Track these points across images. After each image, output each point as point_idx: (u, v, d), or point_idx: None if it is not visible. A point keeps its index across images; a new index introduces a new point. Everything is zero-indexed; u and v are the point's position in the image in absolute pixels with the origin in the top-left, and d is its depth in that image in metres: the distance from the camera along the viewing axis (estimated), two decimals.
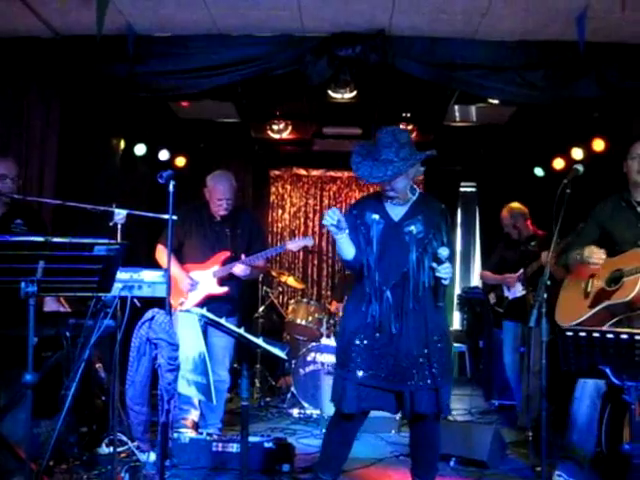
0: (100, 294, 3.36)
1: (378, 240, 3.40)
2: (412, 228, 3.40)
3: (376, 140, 3.41)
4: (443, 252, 3.29)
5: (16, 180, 4.18)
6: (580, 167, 3.83)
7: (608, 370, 2.95)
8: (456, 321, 9.46)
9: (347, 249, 3.39)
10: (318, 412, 5.65)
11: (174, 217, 3.59)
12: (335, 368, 3.60)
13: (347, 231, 3.30)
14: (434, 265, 3.32)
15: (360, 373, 3.37)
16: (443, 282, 3.37)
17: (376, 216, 3.43)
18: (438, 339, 3.41)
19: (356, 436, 3.61)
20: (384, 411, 3.58)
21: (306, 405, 5.81)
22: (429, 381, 3.36)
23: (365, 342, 3.39)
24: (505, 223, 5.94)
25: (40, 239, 2.81)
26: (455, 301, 9.24)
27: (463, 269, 9.64)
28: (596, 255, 3.76)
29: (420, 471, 3.63)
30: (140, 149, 6.84)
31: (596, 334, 2.93)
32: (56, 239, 2.83)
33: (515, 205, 5.90)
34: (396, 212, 3.50)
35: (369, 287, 3.40)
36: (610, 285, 3.77)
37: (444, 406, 3.42)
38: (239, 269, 4.76)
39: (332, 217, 3.17)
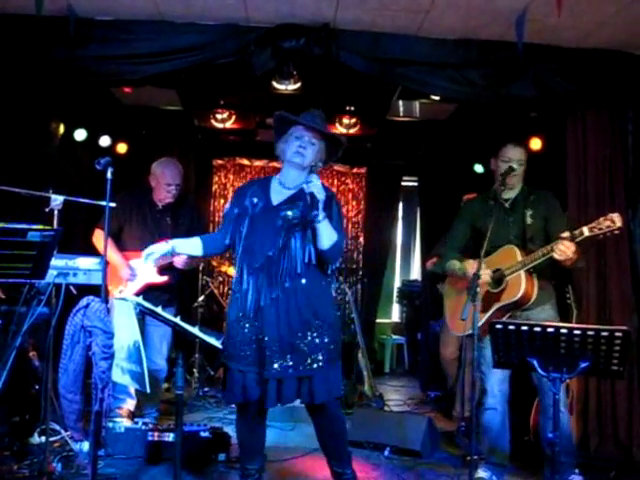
0: (34, 281, 3.30)
1: (249, 223, 3.40)
2: (288, 213, 3.40)
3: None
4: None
5: None
6: (515, 165, 3.96)
7: (535, 362, 3.05)
8: (395, 314, 9.59)
9: None
10: None
11: (112, 204, 3.55)
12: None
13: None
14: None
15: (237, 361, 3.36)
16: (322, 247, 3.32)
17: (255, 199, 3.47)
18: (319, 323, 3.37)
19: (265, 422, 3.62)
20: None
21: None
22: (307, 367, 3.31)
23: (238, 329, 3.39)
24: None
25: None
26: (395, 294, 9.38)
27: (403, 262, 9.77)
28: (483, 274, 3.80)
29: (333, 460, 3.63)
30: (80, 134, 6.70)
31: (524, 327, 3.03)
32: None
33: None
34: (278, 197, 3.51)
35: (237, 271, 3.45)
36: (493, 287, 3.94)
37: (318, 396, 3.34)
38: (179, 259, 4.73)
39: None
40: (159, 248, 3.50)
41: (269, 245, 3.36)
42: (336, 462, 3.61)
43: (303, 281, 3.36)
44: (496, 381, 3.99)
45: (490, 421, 4.03)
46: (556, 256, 3.61)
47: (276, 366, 3.30)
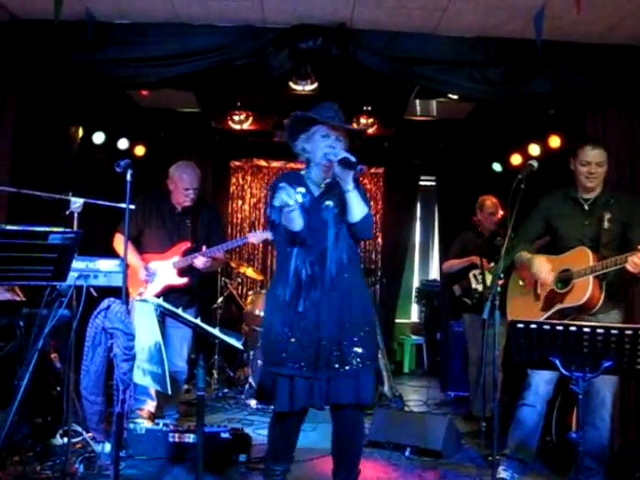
0: (55, 283, 3.32)
1: (303, 215, 3.21)
2: (329, 202, 3.29)
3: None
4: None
5: None
6: (534, 163, 3.90)
7: (557, 361, 3.01)
8: (414, 313, 9.57)
9: (298, 219, 3.17)
10: None
11: (132, 206, 3.56)
12: (263, 364, 3.44)
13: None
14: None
15: (285, 365, 3.21)
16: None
17: (302, 189, 3.22)
18: (364, 323, 3.28)
19: (301, 427, 3.46)
20: (314, 407, 3.29)
21: None
22: (347, 368, 3.20)
23: (285, 330, 3.24)
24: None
25: None
26: (413, 294, 9.35)
27: (422, 262, 9.73)
28: (544, 275, 3.83)
29: (340, 471, 3.43)
30: (99, 137, 6.75)
31: (546, 326, 2.99)
32: (10, 227, 2.80)
33: (484, 198, 5.94)
34: (316, 190, 3.39)
35: (294, 267, 3.24)
36: (560, 286, 3.84)
37: (363, 395, 3.24)
38: (199, 261, 4.74)
39: (290, 196, 2.96)
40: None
41: (321, 238, 3.24)
42: (345, 473, 3.42)
43: (347, 277, 3.26)
44: (542, 380, 3.90)
45: (526, 417, 3.97)
46: (629, 268, 3.50)
47: (327, 365, 3.20)
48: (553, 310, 3.86)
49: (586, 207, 3.95)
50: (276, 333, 3.26)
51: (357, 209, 3.23)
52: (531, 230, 4.12)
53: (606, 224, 3.84)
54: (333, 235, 3.24)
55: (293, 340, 3.22)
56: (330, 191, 3.35)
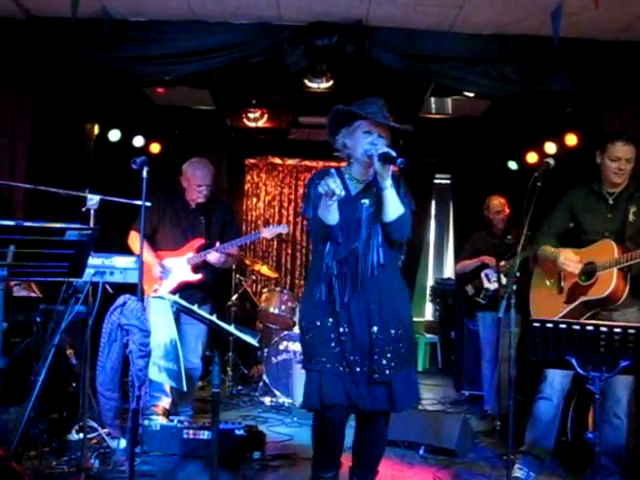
0: (71, 279, 3.34)
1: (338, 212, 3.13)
2: (365, 201, 3.21)
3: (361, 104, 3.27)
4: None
5: None
6: (551, 161, 3.88)
7: (574, 361, 2.99)
8: (428, 312, 9.54)
9: (335, 212, 3.09)
10: (290, 400, 5.68)
11: (148, 203, 3.57)
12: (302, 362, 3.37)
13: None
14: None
15: (317, 364, 3.13)
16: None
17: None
18: (397, 325, 3.18)
19: (345, 429, 3.26)
20: (356, 404, 3.14)
21: (278, 393, 5.83)
22: (377, 373, 3.10)
23: (318, 329, 3.17)
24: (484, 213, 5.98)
25: (11, 223, 2.79)
26: (428, 292, 9.32)
27: (436, 261, 9.70)
28: (572, 265, 3.79)
29: (358, 470, 3.37)
30: (114, 135, 6.78)
31: (562, 325, 2.97)
32: (27, 223, 2.81)
33: (491, 197, 5.93)
34: (353, 188, 3.30)
35: (325, 265, 3.18)
36: (583, 279, 3.82)
37: (398, 403, 3.13)
38: (213, 257, 4.76)
39: (338, 185, 2.90)
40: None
41: (353, 237, 3.17)
42: (363, 474, 3.36)
43: (379, 277, 3.17)
44: (557, 373, 3.86)
45: (542, 411, 3.94)
46: None
47: (360, 367, 3.12)
48: (576, 302, 3.83)
49: (610, 201, 3.92)
50: (308, 329, 3.22)
51: (392, 208, 3.14)
52: (555, 224, 4.08)
53: (631, 217, 3.81)
54: (365, 234, 3.18)
55: (327, 340, 3.16)
56: (368, 189, 3.28)
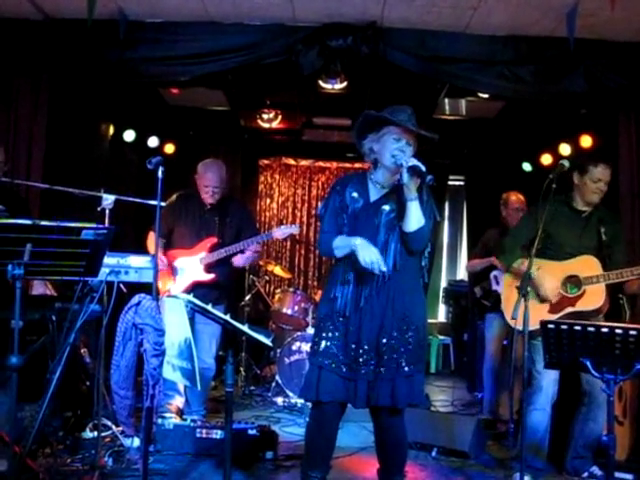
0: (87, 278, 3.36)
1: (351, 220, 3.27)
2: (385, 207, 3.26)
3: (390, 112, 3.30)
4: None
5: (1, 165, 4.17)
6: (566, 162, 3.87)
7: (588, 363, 2.98)
8: (441, 314, 9.52)
9: (346, 252, 3.22)
10: (302, 401, 5.67)
11: (163, 203, 3.59)
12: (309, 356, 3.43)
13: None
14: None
15: (325, 361, 3.20)
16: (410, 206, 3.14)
17: (355, 194, 3.29)
18: (407, 327, 3.20)
19: (338, 428, 3.37)
20: (349, 403, 3.26)
21: (290, 394, 5.83)
22: (384, 370, 3.16)
23: (332, 328, 3.24)
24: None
25: (28, 222, 2.81)
26: (441, 294, 9.29)
27: (449, 262, 9.68)
28: (548, 290, 3.98)
29: (385, 473, 3.41)
30: (129, 135, 6.83)
31: (577, 327, 2.96)
32: (44, 222, 2.83)
33: (509, 193, 5.88)
34: (375, 193, 3.34)
35: (342, 269, 3.27)
36: (573, 291, 3.98)
37: (399, 397, 3.16)
38: (238, 258, 4.83)
39: (380, 264, 3.07)
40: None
41: (371, 242, 3.17)
42: (390, 471, 3.40)
43: (394, 283, 3.21)
44: (550, 381, 3.98)
45: (539, 422, 4.01)
46: None
47: (365, 367, 3.18)
48: (563, 313, 3.98)
49: (584, 218, 4.10)
50: (319, 325, 3.30)
51: (414, 219, 3.17)
52: (521, 235, 4.20)
53: (604, 237, 4.04)
54: (382, 241, 3.22)
55: (334, 338, 3.23)
56: (390, 195, 3.32)
